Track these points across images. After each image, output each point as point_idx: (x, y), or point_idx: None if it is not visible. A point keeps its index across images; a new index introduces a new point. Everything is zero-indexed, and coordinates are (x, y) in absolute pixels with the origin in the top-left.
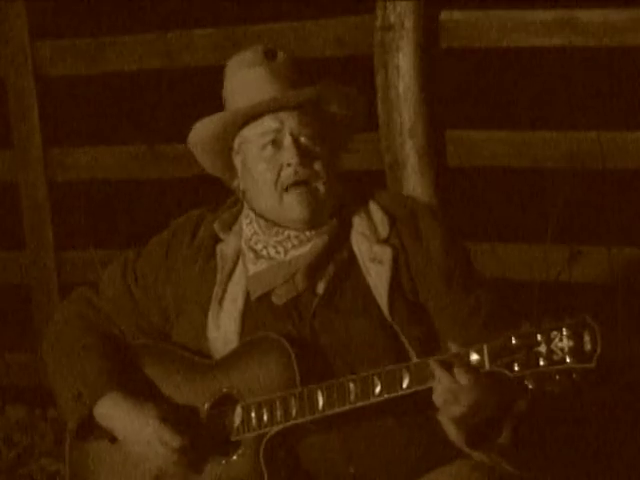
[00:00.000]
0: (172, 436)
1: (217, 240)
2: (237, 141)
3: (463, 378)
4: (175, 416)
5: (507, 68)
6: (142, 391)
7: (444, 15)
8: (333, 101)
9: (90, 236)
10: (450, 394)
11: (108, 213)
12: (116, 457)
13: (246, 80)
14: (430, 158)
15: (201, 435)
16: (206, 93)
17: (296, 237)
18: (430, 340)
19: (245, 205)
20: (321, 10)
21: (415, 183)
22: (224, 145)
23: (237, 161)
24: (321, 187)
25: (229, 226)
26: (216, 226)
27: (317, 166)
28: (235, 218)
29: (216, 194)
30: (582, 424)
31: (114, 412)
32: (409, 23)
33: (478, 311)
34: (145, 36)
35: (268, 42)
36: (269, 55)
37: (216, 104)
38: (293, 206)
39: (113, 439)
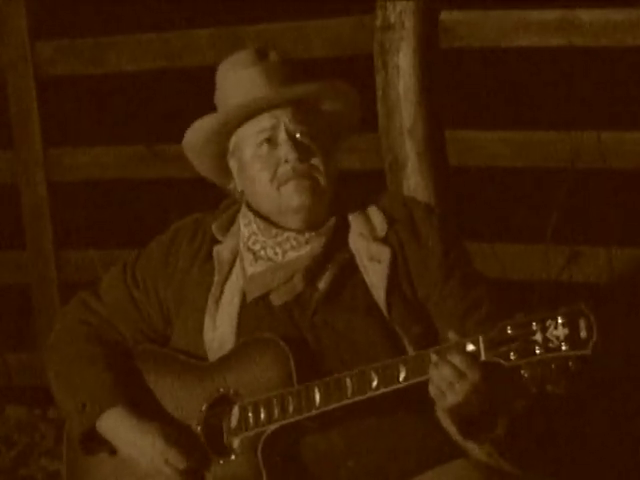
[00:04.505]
0: (178, 458)
1: (215, 242)
2: (232, 142)
3: (460, 362)
4: (179, 434)
5: (507, 68)
6: (143, 397)
7: (444, 15)
8: (327, 98)
9: (90, 236)
10: (445, 382)
11: (108, 213)
12: (114, 460)
13: (238, 81)
14: (430, 158)
15: (203, 451)
16: (206, 93)
17: (295, 239)
18: (429, 338)
19: (243, 206)
20: (321, 10)
21: (415, 183)
22: (218, 148)
23: (232, 163)
24: (321, 179)
25: (227, 227)
26: (214, 228)
27: (314, 161)
28: (232, 219)
29: (216, 194)
30: (581, 422)
31: (118, 428)
32: (409, 23)
33: (478, 307)
34: (145, 36)
35: (267, 42)
36: (261, 54)
37: (216, 104)
38: (292, 196)
39: (114, 452)
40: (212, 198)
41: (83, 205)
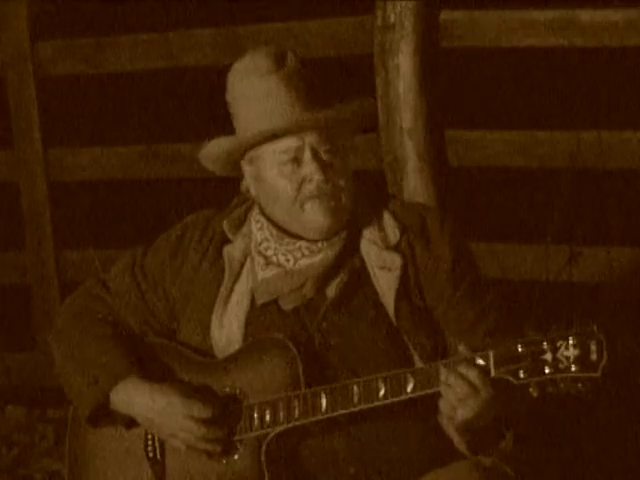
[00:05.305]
0: (200, 408)
1: (225, 240)
2: (249, 154)
3: (475, 378)
4: (193, 389)
5: (507, 68)
6: (152, 375)
7: (444, 15)
8: (350, 115)
9: (90, 236)
10: (458, 397)
11: (108, 213)
12: (114, 454)
13: (258, 91)
14: (430, 158)
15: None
16: (206, 93)
17: (307, 248)
18: (436, 347)
19: (256, 209)
20: (321, 10)
21: (415, 183)
22: (235, 158)
23: (247, 168)
24: (344, 198)
25: (237, 226)
26: (225, 226)
27: (338, 180)
28: (243, 218)
29: (216, 194)
30: (582, 425)
31: (134, 396)
32: (409, 23)
33: (485, 317)
34: (145, 36)
35: (267, 42)
36: (279, 61)
37: (216, 104)
38: (316, 216)
39: (129, 425)
40: (213, 198)
41: (83, 205)
